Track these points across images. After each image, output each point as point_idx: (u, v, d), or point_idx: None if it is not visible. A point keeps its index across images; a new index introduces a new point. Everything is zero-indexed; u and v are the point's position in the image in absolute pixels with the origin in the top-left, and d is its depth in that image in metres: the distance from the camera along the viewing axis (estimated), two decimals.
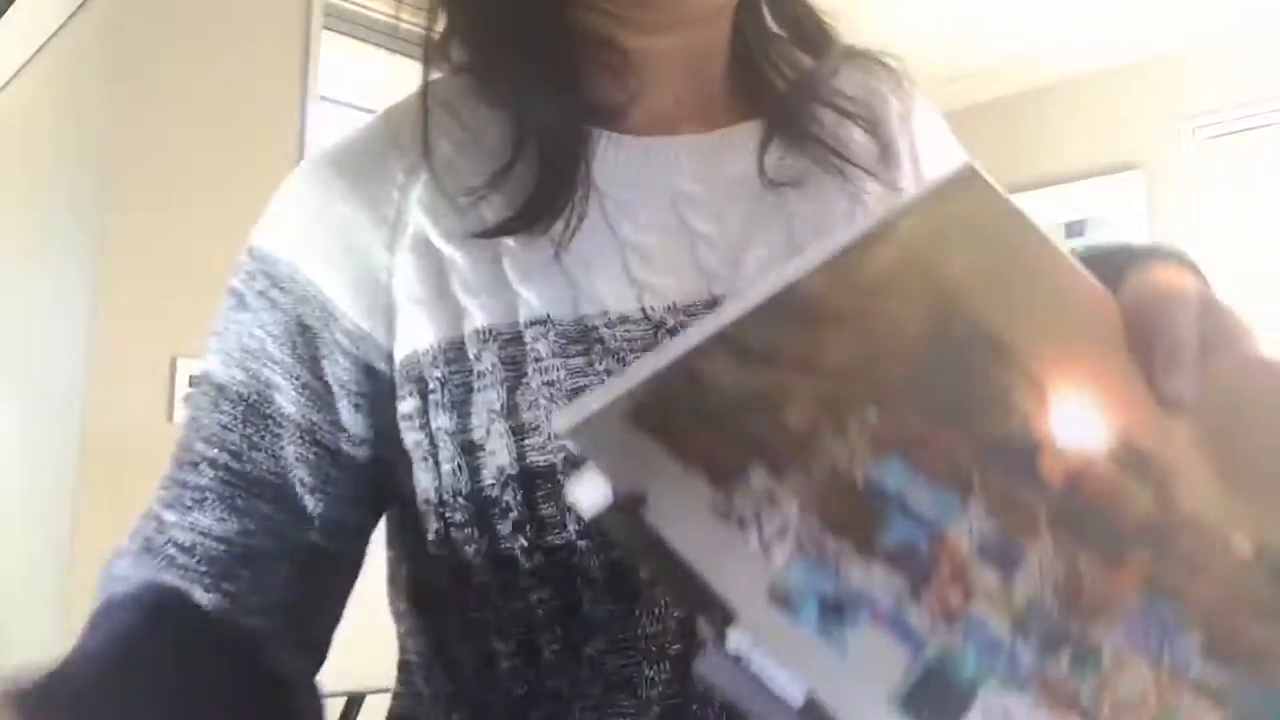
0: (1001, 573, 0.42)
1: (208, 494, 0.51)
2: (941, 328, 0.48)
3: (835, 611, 0.39)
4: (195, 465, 0.52)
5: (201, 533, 0.51)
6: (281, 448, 0.52)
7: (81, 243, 2.08)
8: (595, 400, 0.38)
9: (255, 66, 2.18)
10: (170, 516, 0.52)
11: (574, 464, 0.49)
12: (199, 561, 0.50)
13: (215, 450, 0.52)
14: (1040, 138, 3.27)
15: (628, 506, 0.37)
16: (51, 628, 1.92)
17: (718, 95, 0.59)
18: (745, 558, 0.38)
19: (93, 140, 2.09)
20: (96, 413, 1.96)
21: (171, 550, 0.51)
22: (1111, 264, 0.60)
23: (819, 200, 0.56)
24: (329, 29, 2.36)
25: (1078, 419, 0.48)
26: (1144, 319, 0.50)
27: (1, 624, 2.14)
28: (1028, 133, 3.31)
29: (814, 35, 0.61)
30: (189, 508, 0.51)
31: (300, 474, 0.52)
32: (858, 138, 0.59)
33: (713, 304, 0.51)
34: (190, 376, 1.95)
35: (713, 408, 0.40)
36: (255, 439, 0.52)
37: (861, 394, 0.43)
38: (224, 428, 0.52)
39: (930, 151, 0.62)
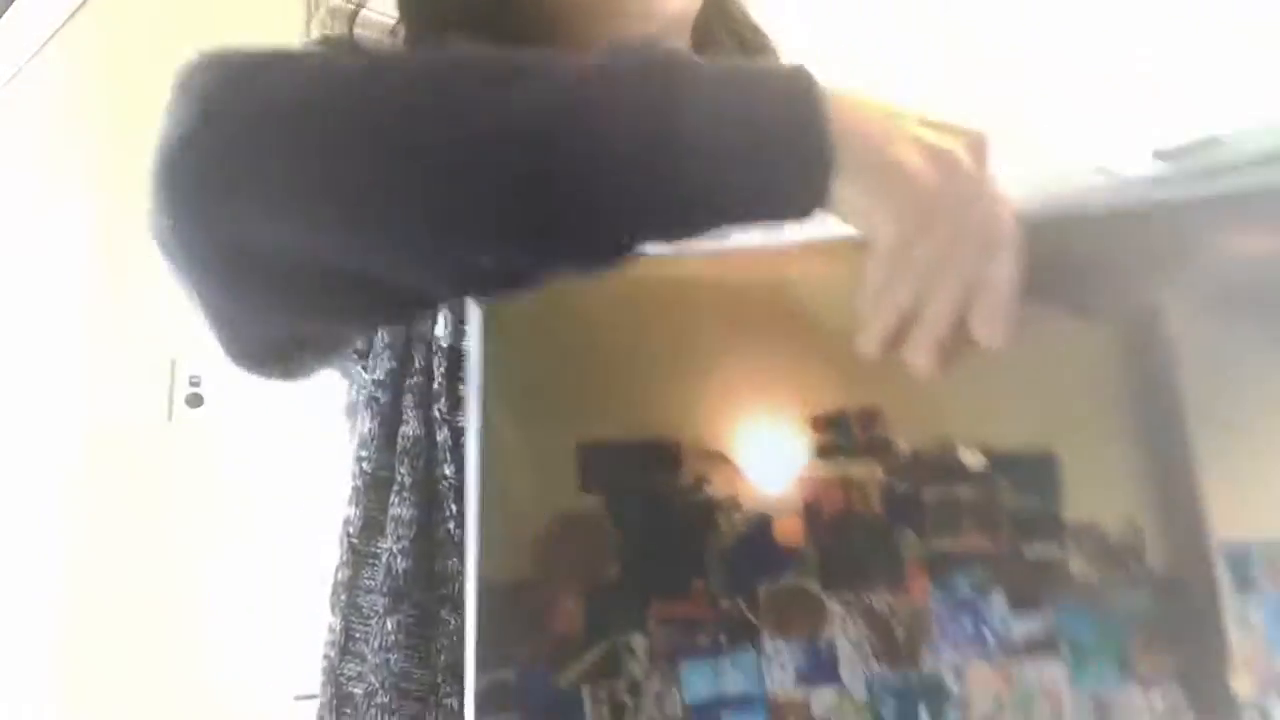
0: (831, 684, 0.42)
1: None
2: (610, 479, 0.45)
3: None
4: None
5: None
6: None
7: (83, 241, 2.08)
8: None
9: None
10: None
11: None
12: None
13: None
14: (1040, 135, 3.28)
15: None
16: (52, 628, 1.92)
17: None
18: None
19: (92, 140, 2.09)
20: (96, 413, 1.96)
21: None
22: None
23: None
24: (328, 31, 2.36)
25: (771, 450, 0.45)
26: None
27: (2, 624, 2.14)
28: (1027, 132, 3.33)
29: (754, 48, 0.64)
30: None
31: None
32: None
33: None
34: None
35: None
36: None
37: (618, 628, 0.43)
38: None
39: None
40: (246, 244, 0.44)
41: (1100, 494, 0.42)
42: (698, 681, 0.42)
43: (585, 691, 0.44)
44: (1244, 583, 0.41)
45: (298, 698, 1.90)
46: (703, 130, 0.41)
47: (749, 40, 0.65)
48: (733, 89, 0.42)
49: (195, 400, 2.04)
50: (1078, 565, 0.42)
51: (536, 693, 0.44)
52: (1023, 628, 0.42)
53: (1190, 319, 0.43)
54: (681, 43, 0.60)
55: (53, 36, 2.38)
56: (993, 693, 0.41)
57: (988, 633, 0.42)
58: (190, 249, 0.46)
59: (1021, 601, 0.42)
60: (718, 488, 0.44)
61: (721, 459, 0.45)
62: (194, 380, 2.04)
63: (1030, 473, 0.42)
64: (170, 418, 2.01)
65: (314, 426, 2.01)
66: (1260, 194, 0.42)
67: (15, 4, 2.39)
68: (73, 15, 2.27)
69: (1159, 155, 0.48)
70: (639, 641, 0.43)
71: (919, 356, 0.42)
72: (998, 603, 0.42)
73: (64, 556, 1.94)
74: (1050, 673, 0.41)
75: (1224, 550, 0.41)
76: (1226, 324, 0.42)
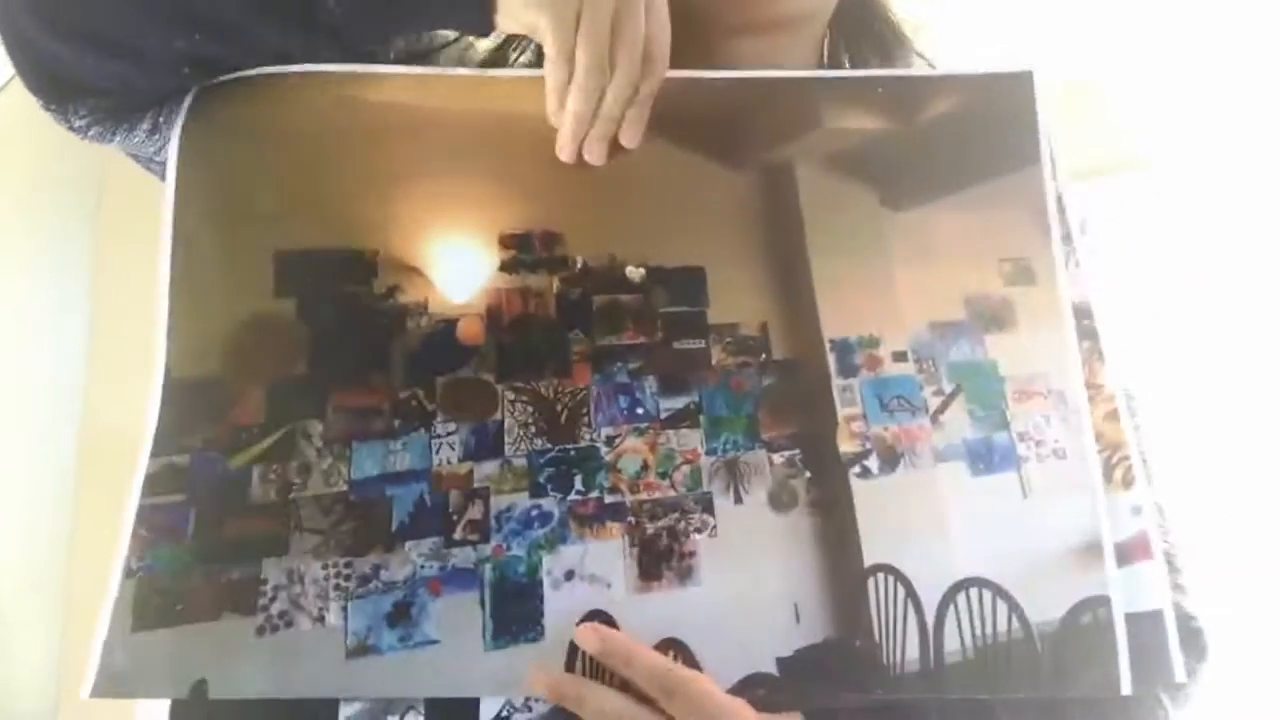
0: (494, 458, 0.48)
1: None
2: (295, 287, 0.50)
3: (404, 616, 0.45)
4: None
5: None
6: None
7: (81, 242, 2.08)
8: (94, 655, 0.46)
9: None
10: None
11: None
12: None
13: None
14: None
15: (199, 703, 0.43)
16: (51, 627, 1.92)
17: None
18: (314, 646, 0.44)
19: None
20: (96, 413, 1.96)
21: None
22: None
23: None
24: None
25: (462, 263, 0.51)
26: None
27: (1, 623, 2.14)
28: None
29: (889, 43, 0.68)
30: None
31: None
32: None
33: None
34: None
35: (190, 552, 0.46)
36: None
37: (296, 417, 0.48)
38: None
39: None
40: None
41: (739, 301, 0.51)
42: (366, 460, 0.47)
43: (255, 472, 0.47)
44: (847, 368, 0.51)
45: None
46: None
47: (889, 41, 0.67)
48: None
49: None
50: (718, 355, 0.50)
51: (206, 475, 0.47)
52: (669, 404, 0.49)
53: (812, 171, 0.54)
54: (815, 31, 0.63)
55: None
56: (640, 458, 0.48)
57: (640, 410, 0.49)
58: None
59: (670, 385, 0.50)
60: (409, 295, 0.49)
61: (415, 271, 0.50)
62: None
63: (683, 284, 0.51)
64: None
65: None
66: (870, 81, 0.57)
67: None
68: None
69: None
70: (315, 427, 0.47)
71: (594, 150, 0.50)
72: (650, 386, 0.49)
73: (62, 557, 1.93)
74: (689, 440, 0.49)
75: (831, 344, 0.51)
76: (838, 178, 0.54)
